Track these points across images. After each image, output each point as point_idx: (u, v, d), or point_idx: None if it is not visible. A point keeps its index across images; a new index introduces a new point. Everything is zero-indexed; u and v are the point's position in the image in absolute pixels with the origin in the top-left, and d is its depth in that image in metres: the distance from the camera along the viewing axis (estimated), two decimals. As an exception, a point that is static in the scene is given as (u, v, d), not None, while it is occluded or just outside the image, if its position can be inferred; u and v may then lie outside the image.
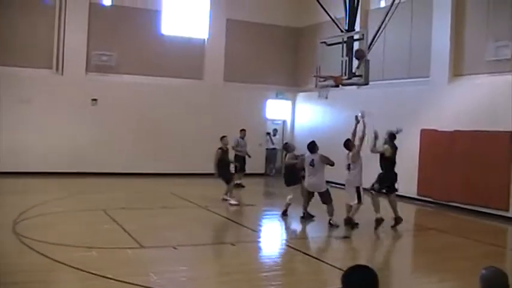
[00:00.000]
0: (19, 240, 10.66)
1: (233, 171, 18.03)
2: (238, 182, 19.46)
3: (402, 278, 9.78)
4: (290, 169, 14.89)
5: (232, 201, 16.28)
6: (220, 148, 17.07)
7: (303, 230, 14.05)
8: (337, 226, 13.34)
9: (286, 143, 17.09)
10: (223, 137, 17.58)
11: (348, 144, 13.83)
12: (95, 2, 22.19)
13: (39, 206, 14.44)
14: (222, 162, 16.81)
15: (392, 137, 14.00)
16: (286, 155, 15.60)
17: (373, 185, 13.69)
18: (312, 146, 14.04)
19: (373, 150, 13.86)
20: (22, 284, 8.07)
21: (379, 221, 13.14)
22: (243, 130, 20.72)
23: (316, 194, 13.93)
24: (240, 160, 19.91)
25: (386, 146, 13.76)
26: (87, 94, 22.05)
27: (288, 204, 14.52)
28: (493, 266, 4.38)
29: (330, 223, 13.50)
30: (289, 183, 14.83)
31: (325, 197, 13.74)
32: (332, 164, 13.86)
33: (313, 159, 13.80)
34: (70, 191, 17.80)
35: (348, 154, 13.71)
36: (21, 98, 20.73)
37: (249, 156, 20.57)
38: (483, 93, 16.55)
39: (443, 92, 17.87)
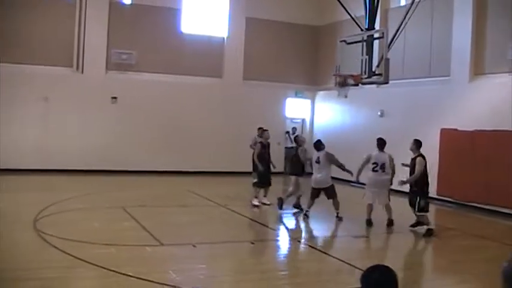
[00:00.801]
0: (40, 237, 10.76)
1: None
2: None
3: (422, 279, 9.73)
4: (295, 160, 15.35)
5: (256, 202, 15.97)
6: (260, 142, 16.32)
7: (322, 228, 14.04)
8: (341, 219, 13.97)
9: (297, 136, 17.23)
10: (265, 130, 16.67)
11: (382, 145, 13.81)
12: (115, 1, 22.30)
13: (60, 203, 14.56)
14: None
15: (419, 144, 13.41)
16: (297, 148, 15.57)
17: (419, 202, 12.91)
18: (318, 144, 14.54)
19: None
20: (43, 281, 8.14)
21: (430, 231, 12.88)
22: (260, 128, 17.62)
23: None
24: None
25: (419, 159, 12.95)
26: (107, 92, 22.19)
27: (298, 196, 15.15)
28: None
29: (337, 216, 14.06)
30: (291, 172, 15.54)
31: (330, 192, 14.17)
32: (340, 166, 14.19)
33: (318, 157, 14.24)
34: (90, 188, 17.92)
35: (378, 154, 13.61)
36: (42, 96, 20.92)
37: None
38: (504, 92, 16.38)
39: (464, 91, 17.73)
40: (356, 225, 13.47)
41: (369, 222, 13.48)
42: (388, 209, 13.54)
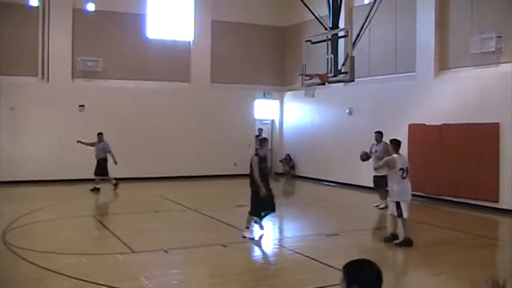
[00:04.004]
0: (9, 250, 10.59)
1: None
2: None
3: (397, 273, 9.78)
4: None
5: (247, 234, 12.13)
6: (256, 155, 12.09)
7: (294, 228, 14.05)
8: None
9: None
10: (264, 139, 12.79)
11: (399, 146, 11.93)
12: (78, 8, 22.09)
13: (28, 215, 14.36)
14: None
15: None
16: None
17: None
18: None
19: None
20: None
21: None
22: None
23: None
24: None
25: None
26: (74, 100, 21.97)
27: None
28: None
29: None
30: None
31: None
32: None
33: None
34: (60, 198, 17.72)
35: (401, 158, 11.76)
36: (8, 106, 20.65)
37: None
38: (469, 86, 16.62)
39: (430, 86, 17.91)
40: (327, 223, 13.50)
41: (395, 237, 11.59)
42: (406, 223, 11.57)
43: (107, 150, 19.32)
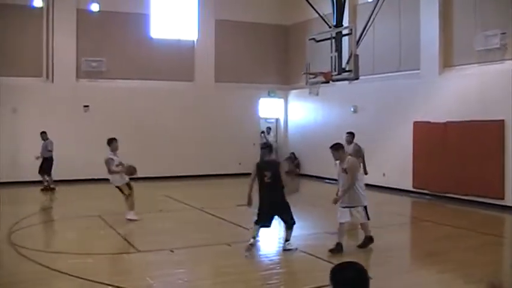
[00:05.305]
0: (15, 251, 10.62)
1: None
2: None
3: (401, 271, 9.76)
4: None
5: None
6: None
7: (299, 227, 14.03)
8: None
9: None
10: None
11: None
12: (82, 9, 22.13)
13: (34, 215, 14.41)
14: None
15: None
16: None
17: None
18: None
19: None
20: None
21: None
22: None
23: None
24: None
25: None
26: (78, 101, 22.03)
27: None
28: None
29: None
30: None
31: None
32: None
33: None
34: (65, 198, 17.76)
35: None
36: (12, 107, 20.73)
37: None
38: (474, 83, 16.58)
39: (434, 83, 17.87)
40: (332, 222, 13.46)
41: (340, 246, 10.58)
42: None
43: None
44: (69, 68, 22.09)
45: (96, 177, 20.06)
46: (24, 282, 8.67)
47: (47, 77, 21.90)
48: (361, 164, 12.89)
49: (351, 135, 14.84)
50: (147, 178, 21.94)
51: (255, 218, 10.64)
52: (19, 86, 20.95)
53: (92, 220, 13.88)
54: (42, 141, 19.70)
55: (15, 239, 11.48)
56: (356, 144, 14.44)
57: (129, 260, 10.19)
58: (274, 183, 10.45)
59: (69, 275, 8.81)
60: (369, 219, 10.73)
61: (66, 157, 20.97)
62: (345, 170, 10.41)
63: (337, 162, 10.73)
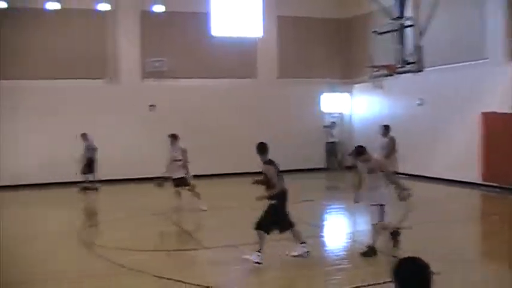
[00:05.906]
0: (85, 247, 10.93)
1: None
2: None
3: (467, 266, 9.55)
4: None
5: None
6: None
7: (365, 222, 13.89)
8: None
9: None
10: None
11: None
12: (145, 10, 22.56)
13: (103, 213, 14.76)
14: None
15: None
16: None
17: None
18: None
19: None
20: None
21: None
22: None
23: None
24: None
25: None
26: (144, 100, 22.52)
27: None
28: None
29: None
30: None
31: None
32: None
33: None
34: (135, 197, 18.14)
35: None
36: (77, 109, 21.35)
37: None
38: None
39: (503, 73, 17.32)
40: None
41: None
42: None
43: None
44: (135, 69, 22.60)
45: (164, 175, 20.47)
46: (94, 278, 8.96)
47: (113, 78, 22.41)
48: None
49: (386, 128, 15.02)
50: (210, 175, 22.08)
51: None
52: (85, 88, 21.62)
53: (158, 218, 14.11)
54: (85, 143, 19.87)
55: (84, 236, 11.82)
56: (392, 137, 14.44)
57: (195, 256, 10.34)
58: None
59: (137, 270, 9.02)
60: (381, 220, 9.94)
61: (134, 156, 21.41)
62: (371, 170, 9.98)
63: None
